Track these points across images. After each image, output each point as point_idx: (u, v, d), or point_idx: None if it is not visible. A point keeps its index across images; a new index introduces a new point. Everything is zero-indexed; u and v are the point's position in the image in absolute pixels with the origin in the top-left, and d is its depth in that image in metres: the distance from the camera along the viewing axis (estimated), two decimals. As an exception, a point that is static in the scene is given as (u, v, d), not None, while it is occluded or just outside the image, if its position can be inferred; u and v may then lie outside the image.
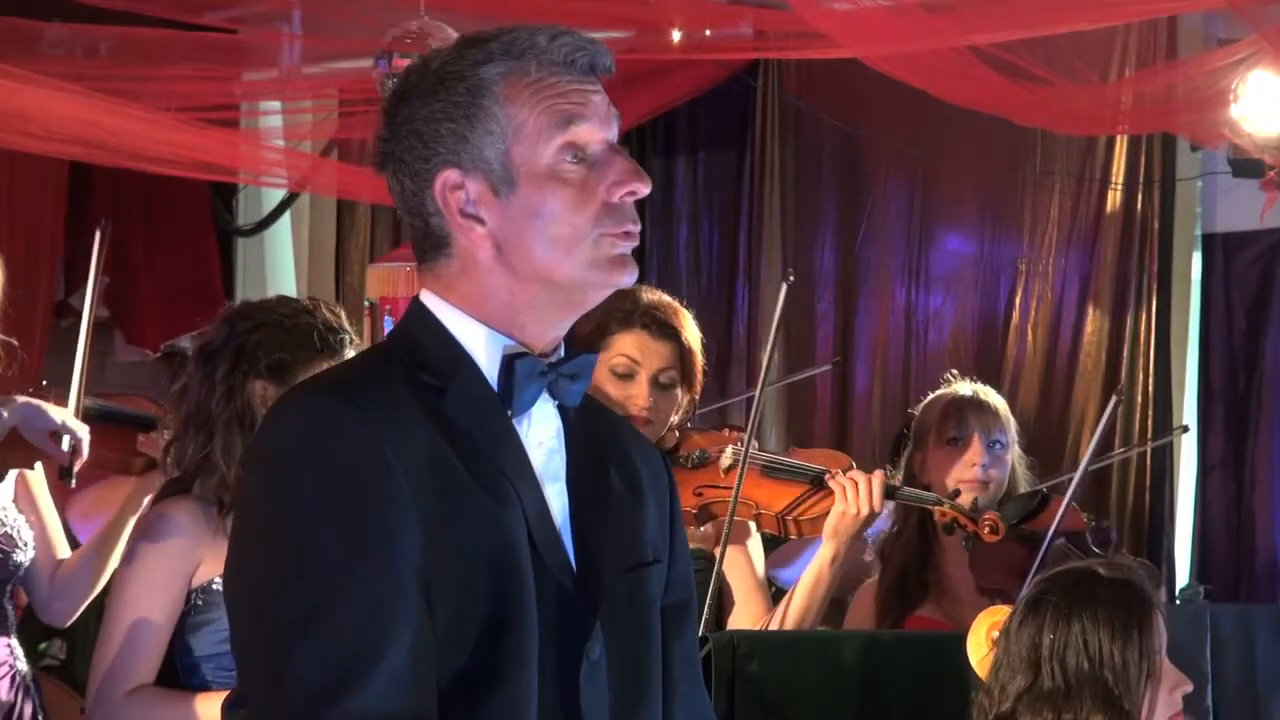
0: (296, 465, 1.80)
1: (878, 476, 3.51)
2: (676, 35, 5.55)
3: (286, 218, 7.45)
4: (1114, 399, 3.87)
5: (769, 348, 3.73)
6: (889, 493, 3.55)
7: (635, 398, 3.38)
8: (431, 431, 1.83)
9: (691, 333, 3.46)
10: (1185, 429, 4.19)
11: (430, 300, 1.94)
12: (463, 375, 1.89)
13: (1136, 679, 2.82)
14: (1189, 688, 2.90)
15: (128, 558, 3.16)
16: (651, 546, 2.01)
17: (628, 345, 3.39)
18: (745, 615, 3.53)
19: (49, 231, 6.61)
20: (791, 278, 3.64)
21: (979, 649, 2.98)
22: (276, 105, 6.83)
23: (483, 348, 1.91)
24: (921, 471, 3.86)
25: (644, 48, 5.75)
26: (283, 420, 1.86)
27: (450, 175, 1.89)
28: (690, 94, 6.55)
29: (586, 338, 3.40)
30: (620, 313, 3.40)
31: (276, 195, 7.31)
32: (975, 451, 3.83)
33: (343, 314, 3.25)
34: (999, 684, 2.89)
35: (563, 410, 1.96)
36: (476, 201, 1.89)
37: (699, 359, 3.48)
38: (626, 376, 3.39)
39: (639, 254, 6.94)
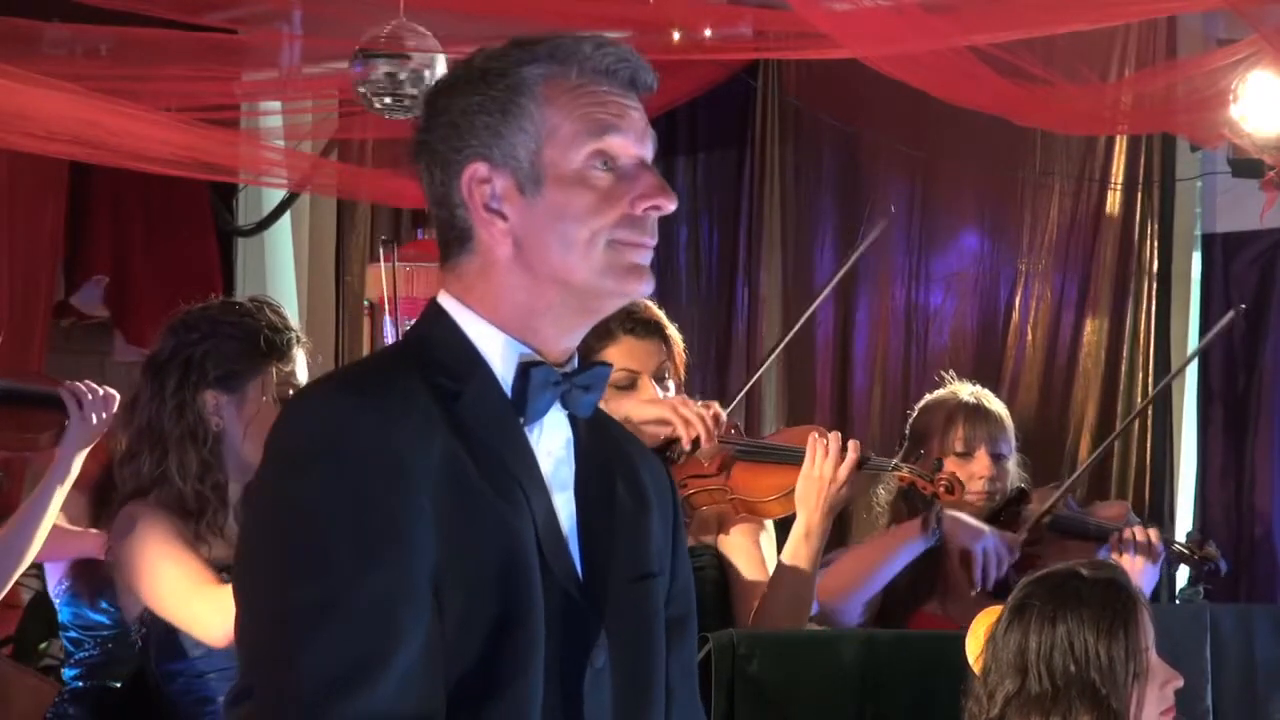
0: (315, 461, 1.80)
1: (853, 446, 3.44)
2: (676, 35, 5.55)
3: (286, 218, 7.45)
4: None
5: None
6: (859, 463, 3.46)
7: None
8: (446, 434, 1.83)
9: (669, 323, 3.49)
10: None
11: (448, 303, 1.94)
12: (478, 380, 1.89)
13: (1124, 677, 2.82)
14: (1179, 683, 2.90)
15: (138, 554, 3.09)
16: (657, 558, 2.01)
17: (621, 357, 3.37)
18: (743, 600, 3.49)
19: (49, 231, 6.60)
20: (893, 210, 3.58)
21: (978, 648, 2.98)
22: (276, 105, 6.83)
23: (499, 354, 1.91)
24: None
25: (644, 48, 5.72)
26: (302, 415, 1.86)
27: (479, 168, 1.89)
28: (690, 94, 6.55)
29: None
30: (596, 327, 3.37)
31: (276, 195, 7.30)
32: (983, 465, 3.86)
33: (287, 313, 3.25)
34: (987, 689, 2.89)
35: (573, 420, 1.96)
36: (502, 197, 1.89)
37: (681, 346, 3.50)
38: (629, 386, 3.40)
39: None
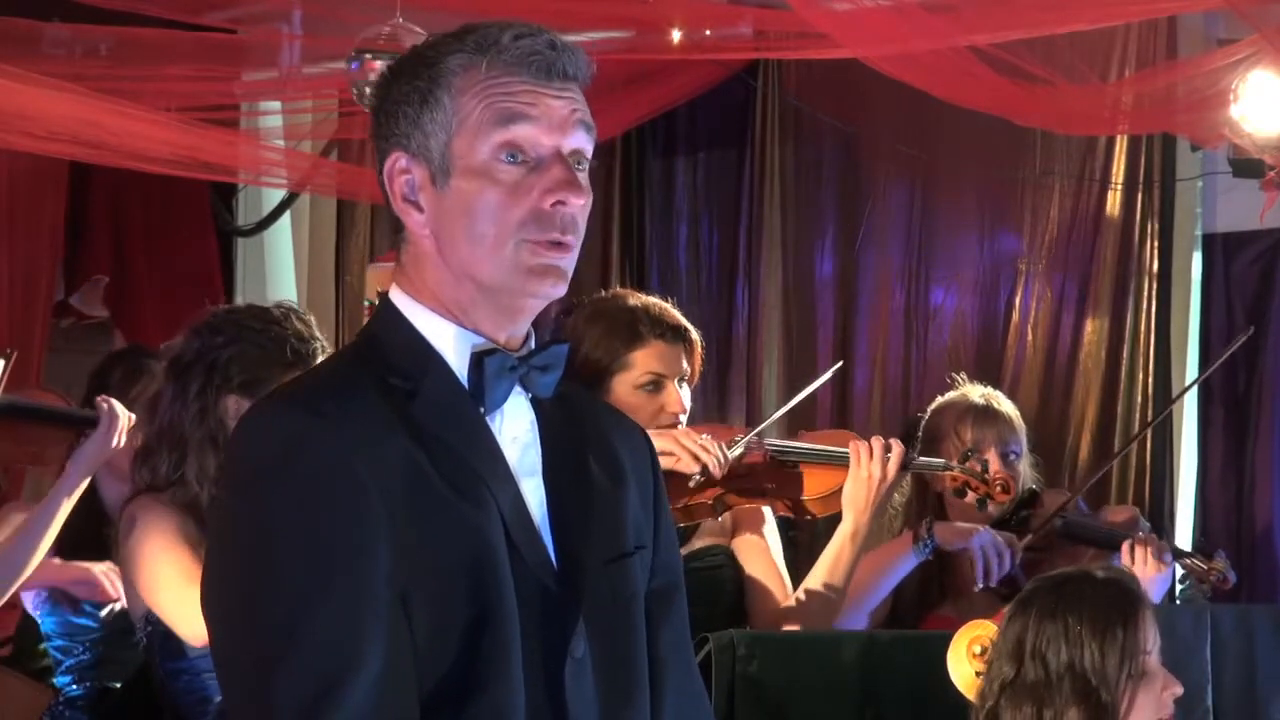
0: (266, 481, 1.79)
1: (895, 444, 3.48)
2: (676, 35, 5.55)
3: (286, 218, 7.44)
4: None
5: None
6: (904, 464, 3.50)
7: (670, 404, 3.39)
8: (403, 438, 1.82)
9: (691, 327, 3.50)
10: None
11: (398, 298, 1.93)
12: (432, 376, 1.88)
13: (1117, 676, 2.82)
14: (1179, 690, 2.90)
15: (138, 548, 3.09)
16: (634, 533, 1.99)
17: (651, 361, 3.38)
18: (765, 600, 3.50)
19: (49, 231, 6.60)
20: (840, 364, 3.70)
21: (959, 663, 2.99)
22: (276, 105, 6.83)
23: (451, 345, 1.90)
24: (933, 477, 3.89)
25: (644, 48, 5.75)
26: (251, 435, 1.85)
27: (400, 158, 1.91)
28: (690, 94, 6.54)
29: (599, 363, 3.36)
30: (625, 329, 3.38)
31: (276, 195, 7.30)
32: (992, 466, 3.85)
33: (313, 321, 3.24)
34: (989, 681, 2.91)
35: (536, 402, 1.95)
36: (418, 188, 1.90)
37: (700, 349, 3.51)
38: (656, 389, 3.39)
39: (639, 253, 6.93)
